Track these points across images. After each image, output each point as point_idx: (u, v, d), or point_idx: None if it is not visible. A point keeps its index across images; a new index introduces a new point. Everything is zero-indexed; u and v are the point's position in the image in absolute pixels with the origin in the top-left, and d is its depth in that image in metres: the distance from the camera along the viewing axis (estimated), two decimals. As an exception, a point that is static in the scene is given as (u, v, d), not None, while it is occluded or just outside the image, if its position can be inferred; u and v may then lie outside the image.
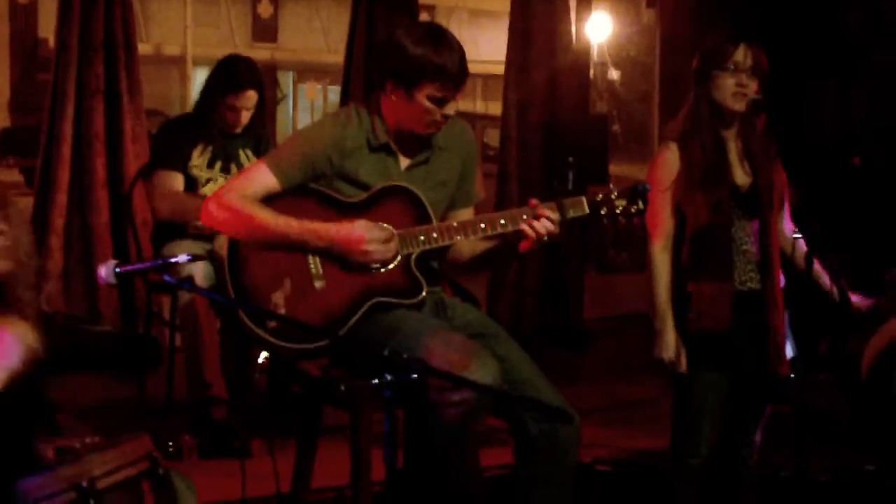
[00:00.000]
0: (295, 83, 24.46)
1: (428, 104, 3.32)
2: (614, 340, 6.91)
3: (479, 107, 21.16)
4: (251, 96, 4.71)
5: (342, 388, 3.27)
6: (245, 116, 4.72)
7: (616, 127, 16.29)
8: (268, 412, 4.40)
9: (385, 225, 3.34)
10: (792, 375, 3.74)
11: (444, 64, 3.27)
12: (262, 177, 3.37)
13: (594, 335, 6.96)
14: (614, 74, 17.77)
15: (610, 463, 4.52)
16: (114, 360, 5.48)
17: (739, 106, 3.57)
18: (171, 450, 4.31)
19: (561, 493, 3.39)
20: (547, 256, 6.62)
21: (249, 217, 3.30)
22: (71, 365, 5.40)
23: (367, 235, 3.30)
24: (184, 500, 2.83)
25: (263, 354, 3.24)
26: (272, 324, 3.24)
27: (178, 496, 2.84)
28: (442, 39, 3.30)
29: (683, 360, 3.63)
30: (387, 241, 3.33)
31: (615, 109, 17.05)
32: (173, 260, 2.93)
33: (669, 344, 3.64)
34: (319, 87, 23.58)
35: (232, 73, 4.72)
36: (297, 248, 3.31)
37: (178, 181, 4.68)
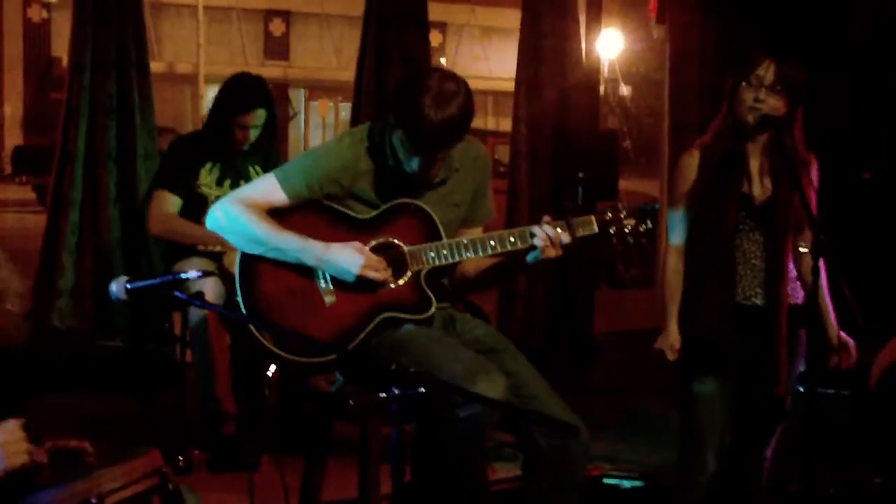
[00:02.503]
0: (307, 100, 24.57)
1: (398, 147, 3.34)
2: (623, 355, 6.92)
3: (490, 123, 21.22)
4: (260, 115, 4.74)
5: (351, 402, 3.29)
6: (254, 134, 4.76)
7: (627, 143, 16.31)
8: (278, 427, 4.42)
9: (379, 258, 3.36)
10: (801, 389, 3.75)
11: (422, 120, 3.21)
12: (270, 189, 3.39)
13: (603, 350, 6.97)
14: (625, 90, 17.83)
15: (618, 477, 4.52)
16: (125, 375, 5.51)
17: (752, 123, 3.59)
18: (181, 464, 4.31)
19: (568, 505, 3.40)
20: (557, 272, 6.63)
21: (251, 227, 3.33)
22: (83, 380, 5.44)
23: (364, 262, 3.30)
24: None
25: (272, 368, 3.26)
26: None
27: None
28: (442, 102, 3.22)
29: (675, 354, 3.68)
30: (378, 262, 3.34)
31: (626, 125, 17.09)
32: (184, 276, 2.94)
33: (667, 336, 3.69)
34: (331, 104, 23.67)
35: (241, 93, 4.75)
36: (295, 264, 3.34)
37: (173, 203, 4.72)
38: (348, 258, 3.30)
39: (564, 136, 6.80)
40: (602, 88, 16.23)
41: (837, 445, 4.65)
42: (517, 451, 3.51)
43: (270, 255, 3.33)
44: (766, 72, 3.58)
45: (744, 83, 3.60)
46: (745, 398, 3.70)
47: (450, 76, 3.31)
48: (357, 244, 3.34)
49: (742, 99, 3.60)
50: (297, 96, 24.38)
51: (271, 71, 23.13)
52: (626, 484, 4.46)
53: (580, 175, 6.43)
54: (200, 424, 4.52)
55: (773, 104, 3.57)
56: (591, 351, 6.86)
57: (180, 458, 4.34)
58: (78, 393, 5.33)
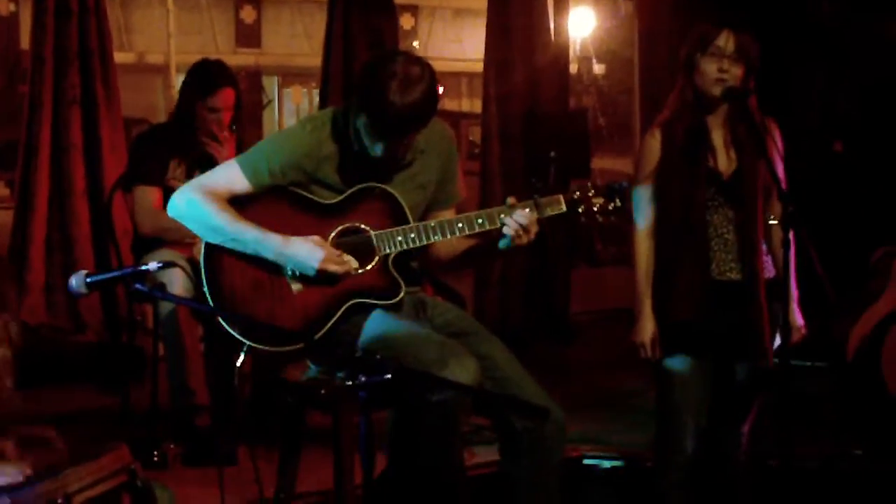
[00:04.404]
0: (280, 87, 24.42)
1: (362, 132, 3.29)
2: (602, 334, 6.90)
3: (465, 105, 21.13)
4: (229, 95, 4.69)
5: (322, 391, 3.26)
6: (226, 117, 4.69)
7: (601, 121, 16.27)
8: (252, 418, 4.38)
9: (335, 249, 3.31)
10: (776, 360, 3.73)
11: (386, 105, 3.18)
12: (233, 176, 3.35)
13: (582, 329, 6.95)
14: (598, 69, 17.76)
15: (598, 458, 4.50)
16: (98, 370, 5.46)
17: (715, 94, 3.56)
18: (155, 459, 4.28)
19: (547, 489, 3.37)
20: (533, 252, 6.58)
21: (210, 215, 3.29)
22: (55, 376, 5.39)
23: (324, 256, 3.26)
24: (164, 511, 2.81)
25: (241, 358, 3.22)
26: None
27: (160, 507, 2.82)
28: (407, 87, 3.18)
29: (657, 347, 3.64)
30: (339, 255, 3.30)
31: (601, 103, 17.02)
32: (144, 268, 2.89)
33: (645, 328, 3.66)
34: (304, 90, 23.53)
35: (207, 75, 4.71)
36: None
37: (156, 197, 4.65)
38: (308, 253, 3.26)
39: (535, 116, 6.77)
40: (576, 67, 16.16)
41: (816, 418, 4.65)
42: (495, 435, 3.48)
43: (230, 245, 3.29)
44: (727, 42, 3.55)
45: (703, 55, 3.56)
46: (725, 375, 3.67)
47: (414, 60, 3.27)
48: (317, 238, 3.30)
49: (704, 71, 3.56)
50: (271, 84, 24.23)
51: (243, 59, 22.96)
52: (606, 464, 4.44)
53: (552, 154, 6.40)
54: (174, 417, 4.47)
55: (736, 73, 3.54)
56: (569, 330, 6.84)
57: (155, 452, 4.32)
58: (51, 389, 5.28)
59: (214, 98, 4.66)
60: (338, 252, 3.31)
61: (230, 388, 4.28)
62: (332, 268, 3.28)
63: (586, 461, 4.46)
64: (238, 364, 3.24)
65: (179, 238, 4.44)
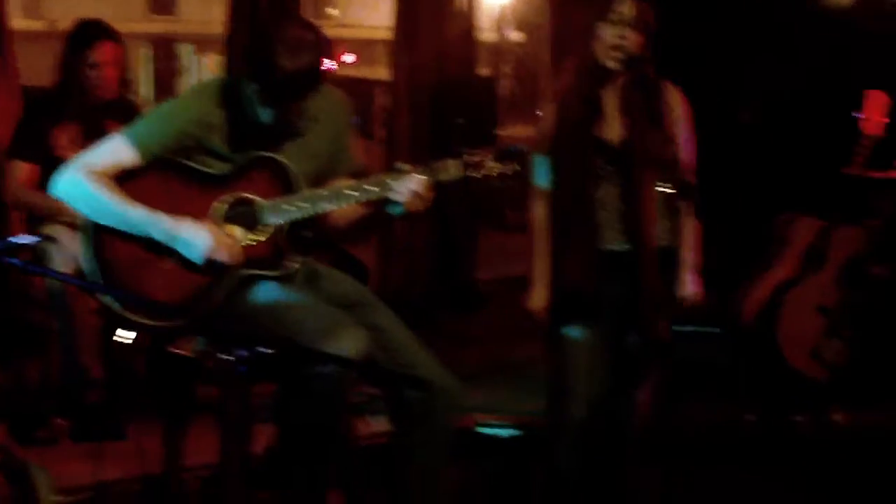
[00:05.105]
0: (195, 55, 24.08)
1: (252, 98, 3.24)
2: (509, 301, 6.87)
3: (381, 73, 21.05)
4: (109, 48, 4.57)
5: (209, 364, 3.21)
6: (110, 74, 4.57)
7: (517, 89, 16.30)
8: (145, 392, 4.31)
9: (229, 231, 3.26)
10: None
11: (275, 70, 3.14)
12: (119, 150, 3.26)
13: (490, 296, 6.94)
14: (517, 36, 17.76)
15: (493, 426, 4.50)
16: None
17: (613, 62, 3.56)
18: (42, 434, 4.20)
19: (437, 459, 3.37)
20: (436, 217, 6.58)
21: (94, 196, 3.20)
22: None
23: (214, 243, 3.21)
24: (41, 490, 2.77)
25: (121, 333, 3.15)
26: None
27: (38, 486, 2.78)
28: (295, 52, 3.14)
29: (548, 314, 3.65)
30: (230, 244, 3.25)
31: (517, 71, 17.04)
32: (14, 241, 2.82)
33: (538, 294, 3.70)
34: (220, 58, 23.26)
35: (82, 32, 4.61)
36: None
37: (27, 172, 4.50)
38: (197, 239, 3.20)
39: (442, 84, 6.74)
40: (496, 35, 16.14)
41: (710, 384, 4.69)
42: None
43: (120, 227, 3.21)
44: (629, 10, 3.54)
45: (602, 21, 3.55)
46: (617, 343, 3.70)
47: (305, 25, 3.24)
48: (209, 225, 3.23)
49: (602, 38, 3.55)
50: (186, 51, 23.88)
51: (157, 26, 22.61)
52: (502, 433, 4.45)
53: (459, 121, 6.39)
54: (63, 392, 4.38)
55: (636, 40, 3.54)
56: (477, 297, 6.84)
57: (42, 428, 4.24)
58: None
59: (93, 52, 4.54)
60: (223, 233, 3.24)
61: (119, 363, 4.23)
62: (220, 256, 3.22)
63: (481, 430, 4.47)
64: (122, 339, 3.18)
65: (49, 215, 4.34)
